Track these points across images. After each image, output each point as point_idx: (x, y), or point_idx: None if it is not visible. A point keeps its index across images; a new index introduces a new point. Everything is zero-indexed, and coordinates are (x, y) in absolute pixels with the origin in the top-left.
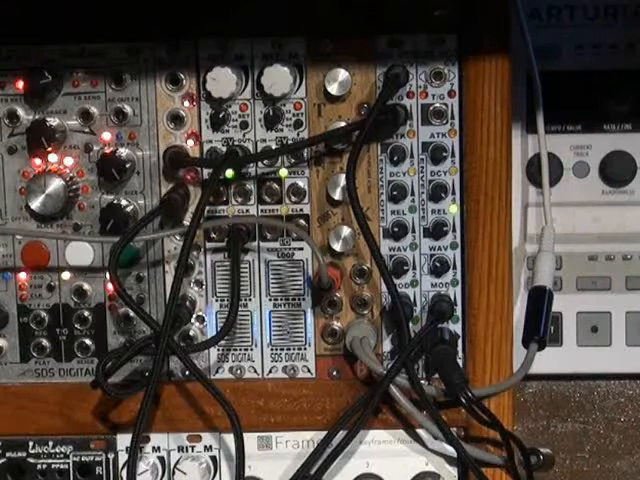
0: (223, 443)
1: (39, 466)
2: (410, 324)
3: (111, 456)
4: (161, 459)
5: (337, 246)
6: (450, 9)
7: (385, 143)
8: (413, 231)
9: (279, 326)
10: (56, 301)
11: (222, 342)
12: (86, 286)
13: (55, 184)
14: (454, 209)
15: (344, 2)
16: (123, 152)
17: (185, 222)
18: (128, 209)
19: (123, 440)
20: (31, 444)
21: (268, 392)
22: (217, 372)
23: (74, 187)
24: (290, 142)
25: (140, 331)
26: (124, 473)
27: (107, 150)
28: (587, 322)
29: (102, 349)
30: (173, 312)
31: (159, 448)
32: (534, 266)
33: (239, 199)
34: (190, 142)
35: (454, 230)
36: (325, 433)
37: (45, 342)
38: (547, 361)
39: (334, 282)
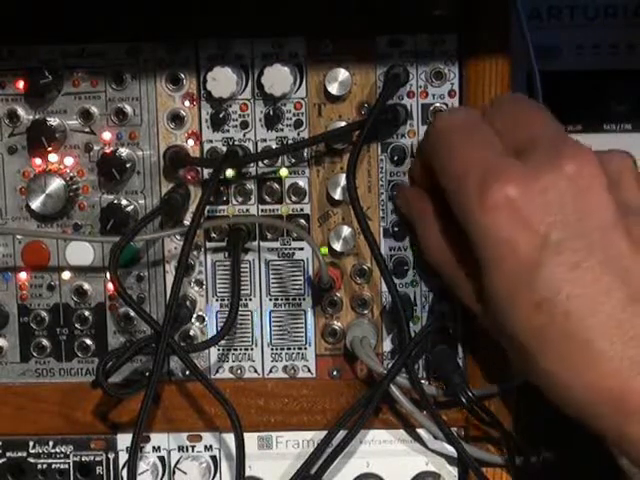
0: (223, 443)
1: (39, 466)
2: (410, 324)
3: (111, 456)
4: (161, 459)
5: (337, 246)
6: (450, 9)
7: (385, 143)
8: None
9: (279, 326)
10: (56, 301)
11: (222, 342)
12: (86, 286)
13: (55, 184)
14: None
15: (344, 2)
16: (123, 152)
17: (185, 222)
18: (128, 209)
19: (123, 440)
20: (31, 444)
21: (268, 392)
22: (217, 372)
23: (74, 187)
24: (290, 142)
25: (140, 331)
26: (124, 473)
27: (107, 150)
28: None
29: (102, 349)
30: (173, 312)
31: (159, 448)
32: None
33: (239, 199)
34: (190, 142)
35: None
36: (325, 433)
37: (45, 342)
38: None
39: (334, 282)
